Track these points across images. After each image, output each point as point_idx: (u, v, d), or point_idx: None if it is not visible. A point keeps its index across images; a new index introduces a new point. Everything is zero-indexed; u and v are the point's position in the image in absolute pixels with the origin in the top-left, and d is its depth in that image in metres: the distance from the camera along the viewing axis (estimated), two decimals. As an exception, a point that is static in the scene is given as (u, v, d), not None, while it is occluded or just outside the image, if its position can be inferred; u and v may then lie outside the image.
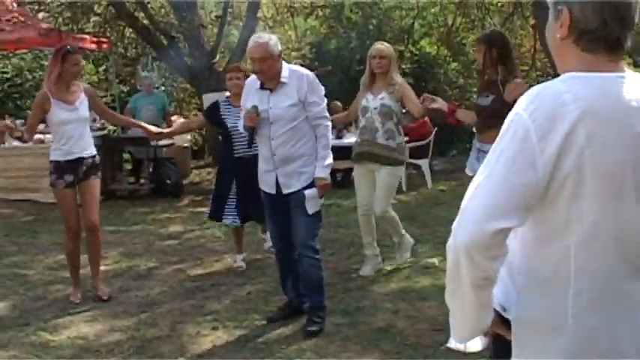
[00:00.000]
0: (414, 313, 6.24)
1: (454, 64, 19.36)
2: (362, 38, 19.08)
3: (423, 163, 12.76)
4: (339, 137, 12.76)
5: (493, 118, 6.00)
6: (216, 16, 16.58)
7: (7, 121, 6.23)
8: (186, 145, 15.01)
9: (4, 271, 8.20)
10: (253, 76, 5.97)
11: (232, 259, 8.25)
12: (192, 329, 6.12)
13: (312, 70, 6.22)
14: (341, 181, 13.46)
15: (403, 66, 17.93)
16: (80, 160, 6.83)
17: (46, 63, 21.35)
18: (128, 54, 18.92)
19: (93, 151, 6.98)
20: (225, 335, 5.96)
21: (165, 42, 15.57)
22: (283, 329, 6.02)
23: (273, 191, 5.94)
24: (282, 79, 5.75)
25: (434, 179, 12.97)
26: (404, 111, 7.44)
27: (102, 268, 8.09)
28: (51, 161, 6.88)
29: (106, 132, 14.30)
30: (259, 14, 15.80)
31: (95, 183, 7.02)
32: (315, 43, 19.43)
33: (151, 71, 19.92)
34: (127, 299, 7.05)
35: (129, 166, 15.04)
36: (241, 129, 6.07)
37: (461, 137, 17.52)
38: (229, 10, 16.08)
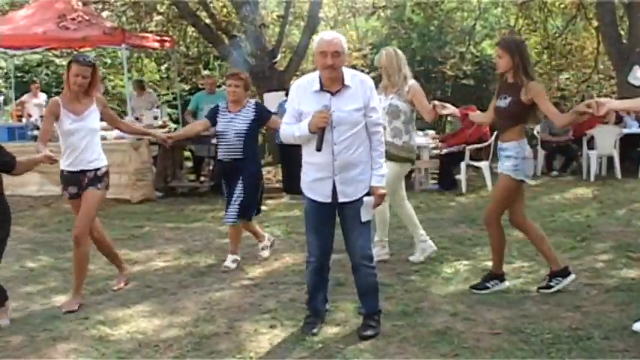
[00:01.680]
0: (473, 315, 6.16)
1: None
2: (423, 39, 19.03)
3: (484, 165, 12.64)
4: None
5: (511, 118, 6.49)
6: (277, 16, 16.63)
7: (49, 152, 6.10)
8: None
9: (66, 265, 8.29)
10: (305, 78, 5.82)
11: (291, 258, 8.25)
12: (250, 327, 6.10)
13: (373, 70, 6.15)
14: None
15: (464, 68, 17.83)
16: (83, 172, 6.77)
17: (109, 61, 21.70)
18: (190, 52, 19.09)
19: (99, 164, 6.85)
20: (282, 334, 5.93)
21: (226, 41, 15.66)
22: (341, 329, 5.98)
23: (327, 200, 5.72)
24: (346, 82, 5.60)
25: (494, 181, 12.82)
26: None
27: (162, 264, 8.19)
28: (61, 170, 6.91)
29: (167, 130, 14.39)
30: (321, 14, 15.78)
31: (92, 193, 6.80)
32: (376, 44, 19.39)
33: (213, 70, 20.06)
34: (185, 295, 7.07)
35: (190, 164, 15.15)
36: (299, 132, 5.62)
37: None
38: (291, 9, 16.12)
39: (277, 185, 13.58)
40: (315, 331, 5.87)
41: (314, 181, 5.73)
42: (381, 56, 7.85)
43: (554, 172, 14.40)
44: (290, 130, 5.69)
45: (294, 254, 8.41)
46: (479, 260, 7.92)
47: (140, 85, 16.52)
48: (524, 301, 6.47)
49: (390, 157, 7.36)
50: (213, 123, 8.06)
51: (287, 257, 8.36)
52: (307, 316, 6.05)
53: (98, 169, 6.82)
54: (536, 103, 6.44)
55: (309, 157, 5.73)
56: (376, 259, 7.41)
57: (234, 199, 7.90)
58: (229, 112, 7.94)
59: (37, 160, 6.14)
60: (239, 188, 7.88)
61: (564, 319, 5.96)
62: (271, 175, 15.21)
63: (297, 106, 5.66)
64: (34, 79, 19.33)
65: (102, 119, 7.02)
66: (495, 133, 12.51)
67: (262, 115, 8.02)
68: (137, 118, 14.20)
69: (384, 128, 7.23)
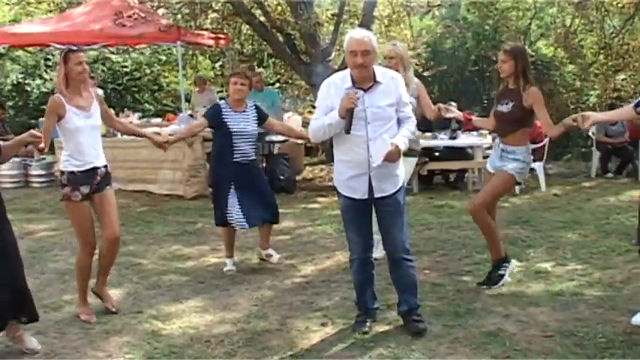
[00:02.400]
0: (525, 318, 6.11)
1: (571, 67, 18.93)
2: (477, 38, 18.90)
3: (538, 166, 12.52)
4: (452, 137, 12.65)
5: (513, 122, 6.62)
6: (332, 14, 16.61)
7: (34, 131, 5.88)
8: (299, 141, 15.07)
9: (120, 259, 8.33)
10: (336, 75, 5.80)
11: (343, 256, 8.24)
12: (302, 324, 6.12)
13: (427, 69, 6.12)
14: (454, 181, 13.35)
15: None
16: (95, 169, 6.43)
17: (164, 58, 21.88)
18: (244, 50, 19.14)
19: (104, 160, 6.57)
20: (333, 332, 5.95)
21: (281, 39, 15.70)
22: (392, 327, 5.98)
23: (364, 196, 5.72)
24: (377, 79, 5.62)
25: (548, 183, 12.71)
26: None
27: (214, 260, 8.26)
28: (63, 172, 6.46)
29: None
30: (375, 13, 15.74)
31: (111, 193, 6.61)
32: (430, 43, 19.31)
33: (267, 67, 20.12)
34: (237, 292, 7.11)
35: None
36: (330, 120, 5.59)
37: (576, 141, 17.16)
38: (346, 8, 16.10)
39: (329, 184, 13.57)
40: (365, 329, 5.87)
41: (349, 179, 5.74)
42: (397, 47, 7.79)
43: (609, 174, 14.21)
44: (320, 122, 5.69)
45: (347, 252, 8.32)
46: (532, 262, 7.85)
47: (202, 82, 16.62)
48: (578, 304, 6.40)
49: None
50: (216, 124, 7.77)
51: (339, 255, 8.35)
52: (358, 315, 6.06)
53: (106, 165, 6.58)
54: (535, 110, 6.65)
55: (343, 154, 5.77)
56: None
57: (263, 197, 7.83)
58: (235, 111, 7.74)
59: (22, 139, 5.73)
60: (262, 188, 7.88)
61: (619, 323, 5.88)
62: (324, 173, 15.22)
63: (330, 103, 5.65)
64: (92, 74, 19.55)
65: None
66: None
67: (262, 116, 7.98)
68: (191, 115, 14.29)
69: None
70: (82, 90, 6.41)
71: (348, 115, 5.48)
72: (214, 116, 7.77)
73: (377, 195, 5.70)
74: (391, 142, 5.50)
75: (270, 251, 8.09)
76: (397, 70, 7.23)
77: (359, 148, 5.60)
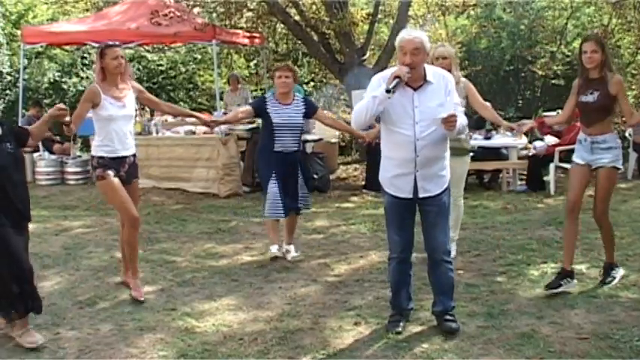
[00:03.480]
0: (559, 319, 6.06)
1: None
2: (512, 38, 18.79)
3: (573, 167, 12.43)
4: (487, 138, 12.60)
5: (601, 111, 6.63)
6: (367, 14, 16.60)
7: (59, 104, 6.08)
8: (333, 140, 15.09)
9: (154, 257, 8.43)
10: (388, 71, 5.70)
11: (376, 255, 8.24)
12: (335, 323, 6.12)
13: (462, 69, 6.09)
14: (488, 182, 13.28)
15: (554, 67, 17.56)
16: (124, 158, 6.86)
17: (199, 57, 21.97)
18: (279, 49, 19.18)
19: (134, 149, 7.01)
20: (366, 331, 5.93)
21: (316, 38, 15.71)
22: (425, 328, 5.96)
23: (409, 195, 5.70)
24: (428, 78, 5.59)
25: (583, 183, 12.59)
26: None
27: (248, 258, 8.27)
28: (93, 156, 6.89)
29: (255, 125, 14.50)
30: (410, 12, 15.71)
31: (137, 186, 7.16)
32: (465, 42, 19.24)
33: (302, 67, 20.15)
34: (271, 290, 7.13)
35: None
36: (376, 93, 5.48)
37: (613, 142, 16.99)
38: (380, 7, 16.08)
39: (363, 183, 13.56)
40: (399, 329, 5.86)
41: (395, 177, 5.73)
42: (448, 48, 7.84)
43: (647, 176, 14.08)
44: (364, 100, 5.61)
45: (380, 252, 8.39)
46: (567, 264, 7.79)
47: (235, 80, 16.67)
48: (613, 306, 6.34)
49: (454, 152, 7.24)
50: (259, 113, 8.11)
51: (373, 255, 8.35)
52: (392, 314, 6.04)
53: (134, 154, 7.00)
54: (618, 98, 6.67)
55: (390, 152, 5.75)
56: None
57: (299, 188, 8.15)
58: (281, 104, 8.00)
59: (50, 114, 5.99)
60: (300, 179, 8.14)
61: (655, 326, 5.84)
62: (358, 172, 15.21)
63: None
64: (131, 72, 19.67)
65: (142, 105, 7.16)
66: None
67: (311, 108, 8.23)
68: (226, 114, 14.32)
69: None
70: (119, 83, 6.78)
71: (394, 80, 5.41)
72: (258, 106, 8.09)
73: (421, 195, 5.69)
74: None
75: (291, 247, 8.30)
76: (449, 71, 7.21)
77: (406, 147, 5.58)
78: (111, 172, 6.72)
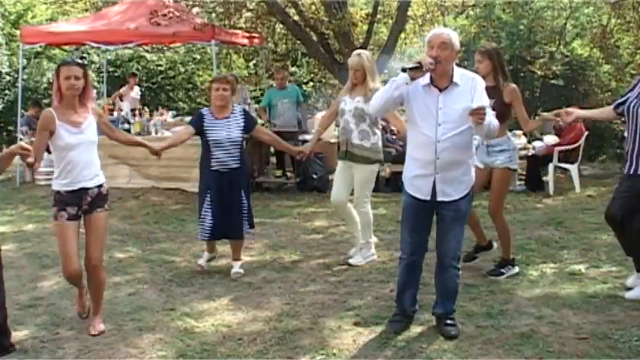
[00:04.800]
0: (558, 319, 6.07)
1: (606, 67, 18.77)
2: (511, 38, 18.77)
3: (572, 167, 12.44)
4: (486, 138, 12.58)
5: (497, 117, 6.47)
6: (366, 14, 16.61)
7: (23, 143, 5.65)
8: (332, 140, 15.07)
9: (153, 257, 8.44)
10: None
11: (375, 255, 8.24)
12: (334, 324, 6.12)
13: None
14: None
15: (554, 67, 17.55)
16: (84, 190, 5.96)
17: (198, 57, 21.99)
18: (278, 49, 19.18)
19: (100, 179, 6.10)
20: (366, 331, 5.94)
21: (315, 38, 15.71)
22: (424, 328, 5.96)
23: (427, 197, 5.68)
24: (454, 80, 5.54)
25: (582, 184, 12.62)
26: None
27: (247, 258, 8.25)
28: (52, 190, 6.06)
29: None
30: (409, 12, 15.72)
31: (101, 216, 6.11)
32: (464, 43, 19.23)
33: (301, 67, 20.16)
34: (270, 290, 7.13)
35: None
36: (397, 78, 5.52)
37: (611, 142, 17.01)
38: (380, 8, 16.08)
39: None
40: (398, 329, 5.89)
41: (415, 177, 5.72)
42: (363, 58, 7.79)
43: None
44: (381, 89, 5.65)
45: (379, 252, 8.39)
46: (566, 263, 7.81)
47: (233, 80, 16.68)
48: (612, 306, 6.35)
49: (359, 159, 7.84)
50: (199, 130, 7.54)
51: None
52: (394, 314, 6.06)
53: (101, 185, 6.10)
54: (514, 105, 7.23)
55: (413, 152, 5.75)
56: (364, 262, 7.94)
57: (241, 209, 7.68)
58: (217, 118, 7.54)
59: (12, 151, 5.51)
60: (242, 198, 7.68)
61: (654, 326, 5.84)
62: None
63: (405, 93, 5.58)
64: (134, 71, 19.71)
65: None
66: (586, 134, 12.38)
67: (250, 122, 7.75)
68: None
69: (351, 131, 7.78)
70: (77, 105, 5.97)
71: (416, 65, 5.42)
72: (196, 123, 7.59)
73: (439, 198, 5.67)
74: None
75: (236, 264, 7.85)
76: (362, 81, 7.66)
77: (427, 148, 5.57)
78: (65, 214, 5.93)
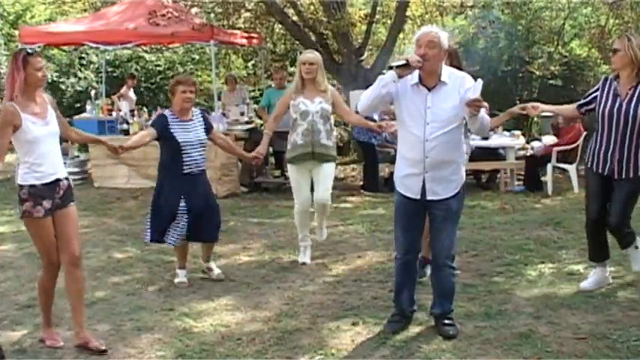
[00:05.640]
0: (557, 319, 6.08)
1: (605, 67, 18.75)
2: (510, 39, 18.79)
3: (571, 167, 12.45)
4: (484, 138, 12.58)
5: None
6: (364, 14, 16.61)
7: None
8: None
9: (151, 257, 8.44)
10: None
11: (374, 256, 8.25)
12: (332, 324, 6.13)
13: (459, 69, 6.08)
14: (486, 182, 13.28)
15: (552, 68, 17.56)
16: (57, 182, 5.79)
17: (197, 57, 21.97)
18: (277, 49, 19.17)
19: (66, 171, 5.97)
20: (364, 331, 5.95)
21: (313, 38, 15.72)
22: (422, 328, 5.97)
23: (417, 196, 5.69)
24: (442, 79, 5.55)
25: (580, 184, 12.59)
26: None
27: (246, 258, 8.27)
28: (22, 186, 5.73)
29: (253, 125, 14.55)
30: (408, 13, 15.72)
31: (74, 210, 5.96)
32: (463, 43, 19.23)
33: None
34: (268, 290, 7.14)
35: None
36: (385, 74, 5.59)
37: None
38: (378, 8, 16.09)
39: (361, 183, 13.56)
40: (397, 329, 5.90)
41: (405, 177, 5.73)
42: (317, 55, 7.99)
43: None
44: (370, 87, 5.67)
45: (378, 252, 8.41)
46: (564, 263, 7.81)
47: (232, 80, 16.67)
48: (610, 306, 6.35)
49: (327, 158, 8.00)
50: (162, 133, 7.29)
51: (370, 255, 8.36)
52: (393, 314, 6.07)
53: (67, 177, 5.97)
54: None
55: (403, 151, 5.76)
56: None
57: (205, 212, 7.40)
58: (182, 120, 7.38)
59: None
60: (209, 203, 7.49)
61: (652, 326, 5.85)
62: (355, 172, 15.21)
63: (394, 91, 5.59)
64: (132, 72, 19.71)
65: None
66: (585, 134, 12.37)
67: (208, 126, 7.63)
68: (224, 114, 14.34)
69: (319, 132, 7.85)
70: (37, 96, 5.77)
71: (403, 62, 5.44)
72: (160, 126, 7.34)
73: (429, 197, 5.67)
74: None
75: (212, 265, 7.80)
76: (315, 77, 7.75)
77: (415, 147, 5.59)
78: (41, 210, 5.70)
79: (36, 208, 5.67)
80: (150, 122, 8.13)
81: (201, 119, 7.53)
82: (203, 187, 7.44)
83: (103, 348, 5.73)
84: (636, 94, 6.41)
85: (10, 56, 5.85)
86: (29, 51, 5.76)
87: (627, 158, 6.50)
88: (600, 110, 6.59)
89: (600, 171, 6.67)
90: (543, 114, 12.43)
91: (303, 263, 8.12)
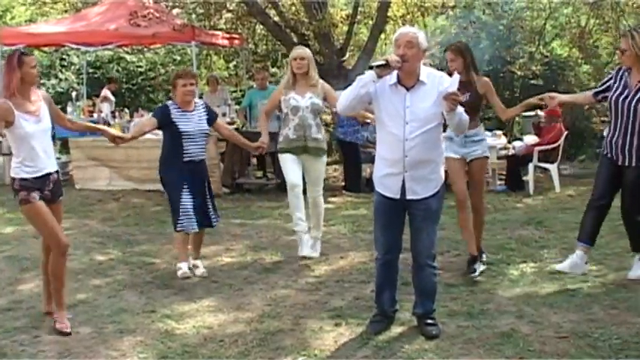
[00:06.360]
0: (539, 318, 6.10)
1: (586, 67, 18.84)
2: (491, 39, 18.82)
3: (552, 167, 12.49)
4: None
5: (472, 110, 6.95)
6: (346, 15, 16.62)
7: None
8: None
9: (133, 259, 8.41)
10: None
11: (356, 256, 8.25)
12: (315, 324, 6.12)
13: (441, 70, 6.11)
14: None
15: (533, 68, 17.61)
16: (48, 175, 6.10)
17: (178, 58, 21.92)
18: (258, 50, 19.16)
19: (56, 165, 6.29)
20: (347, 332, 5.94)
21: (295, 39, 15.71)
22: (405, 328, 5.97)
23: (396, 196, 5.69)
24: (421, 78, 5.56)
25: (562, 184, 12.65)
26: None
27: (228, 260, 8.27)
28: (14, 179, 6.07)
29: (235, 126, 14.49)
30: (389, 13, 15.74)
31: (61, 206, 6.39)
32: (444, 43, 19.25)
33: (281, 67, 20.14)
34: (251, 291, 7.12)
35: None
36: (364, 75, 5.59)
37: (590, 142, 17.06)
38: (360, 8, 16.09)
39: (343, 184, 13.56)
40: (379, 330, 5.89)
41: (385, 176, 5.73)
42: (307, 50, 8.22)
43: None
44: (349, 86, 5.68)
45: (360, 252, 8.41)
46: (546, 262, 7.83)
47: (214, 81, 16.65)
48: (592, 305, 6.38)
49: (319, 152, 8.22)
50: (164, 122, 7.57)
51: (353, 255, 8.36)
52: (374, 314, 6.06)
53: (57, 171, 6.28)
54: (487, 97, 7.61)
55: (382, 151, 5.76)
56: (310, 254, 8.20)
57: (207, 199, 7.78)
58: (185, 111, 7.61)
59: None
60: (208, 189, 7.82)
61: (633, 324, 5.87)
62: (337, 173, 15.21)
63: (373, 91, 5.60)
64: (112, 76, 19.63)
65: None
66: (566, 134, 12.43)
67: (212, 116, 7.89)
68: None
69: (310, 126, 8.04)
70: (31, 94, 6.07)
71: (383, 62, 5.46)
72: (163, 116, 7.60)
73: (409, 197, 5.68)
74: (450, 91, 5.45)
75: (199, 262, 7.88)
76: (307, 72, 7.95)
77: (395, 146, 5.59)
78: (36, 195, 6.00)
79: (31, 195, 5.97)
80: (153, 113, 8.31)
81: (205, 110, 7.79)
82: (202, 174, 7.73)
83: (67, 331, 6.06)
84: None
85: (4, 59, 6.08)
86: (23, 51, 6.16)
87: (629, 146, 6.84)
88: (610, 99, 6.96)
89: (609, 156, 7.04)
90: (525, 113, 12.52)
91: (304, 257, 8.26)
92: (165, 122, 7.57)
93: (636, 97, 6.73)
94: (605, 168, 7.13)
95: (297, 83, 8.06)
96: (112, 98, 17.39)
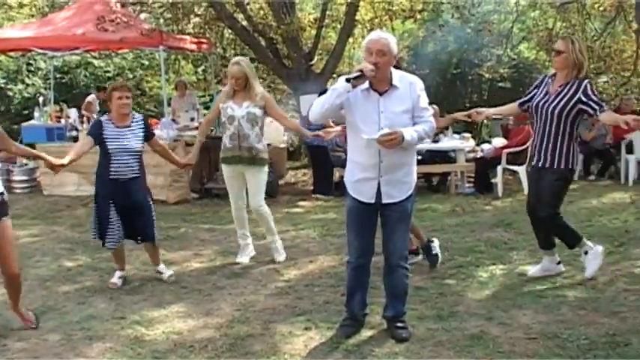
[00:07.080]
0: (508, 320, 6.12)
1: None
2: (459, 42, 18.94)
3: (520, 169, 12.57)
4: (435, 141, 12.67)
5: None
6: (314, 19, 16.63)
7: None
8: (282, 146, 15.07)
9: (102, 265, 8.36)
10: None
11: (326, 260, 8.25)
12: (285, 329, 6.11)
13: (409, 73, 6.10)
14: (436, 185, 13.36)
15: (501, 70, 17.73)
16: None
17: (146, 62, 21.85)
18: (227, 54, 19.13)
19: (1, 187, 5.96)
20: (317, 336, 5.94)
21: (263, 43, 15.70)
22: (375, 332, 5.97)
23: (371, 200, 5.68)
24: (394, 83, 5.57)
25: (530, 185, 12.74)
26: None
27: (197, 265, 8.25)
28: None
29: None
30: (357, 17, 15.77)
31: (9, 224, 5.98)
32: (412, 46, 19.34)
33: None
34: (220, 296, 7.10)
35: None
36: (336, 85, 5.54)
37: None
38: (328, 12, 16.11)
39: (312, 188, 13.57)
40: (349, 333, 5.88)
41: (358, 181, 5.71)
42: (243, 66, 8.01)
43: (592, 177, 14.29)
44: (325, 95, 5.64)
45: (329, 256, 8.42)
46: (515, 264, 7.88)
47: (182, 86, 16.59)
48: (560, 306, 6.42)
49: (257, 162, 8.19)
50: (97, 139, 7.29)
51: (322, 259, 8.36)
52: (344, 318, 6.05)
53: (2, 193, 5.96)
54: None
55: (355, 156, 5.74)
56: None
57: (139, 216, 7.49)
58: (118, 127, 7.32)
59: None
60: (138, 201, 7.47)
61: (601, 325, 5.91)
62: (307, 177, 15.23)
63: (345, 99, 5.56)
64: (102, 85, 19.51)
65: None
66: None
67: (149, 132, 7.61)
68: (174, 120, 14.27)
69: (247, 136, 7.99)
70: None
71: (358, 74, 5.43)
72: (95, 134, 7.32)
73: (385, 201, 5.68)
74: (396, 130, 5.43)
75: (161, 268, 7.85)
76: (245, 86, 7.90)
77: (370, 151, 5.56)
78: None
79: None
80: (87, 131, 8.00)
81: (142, 125, 7.49)
82: (132, 191, 7.40)
83: (33, 326, 6.23)
84: (562, 92, 6.85)
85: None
86: None
87: (545, 149, 6.96)
88: (532, 104, 7.10)
89: (533, 162, 7.17)
90: (494, 116, 12.58)
91: (238, 263, 8.28)
92: (98, 139, 7.29)
93: (554, 102, 6.84)
94: (530, 174, 7.42)
95: (237, 94, 8.05)
96: (97, 107, 17.24)
